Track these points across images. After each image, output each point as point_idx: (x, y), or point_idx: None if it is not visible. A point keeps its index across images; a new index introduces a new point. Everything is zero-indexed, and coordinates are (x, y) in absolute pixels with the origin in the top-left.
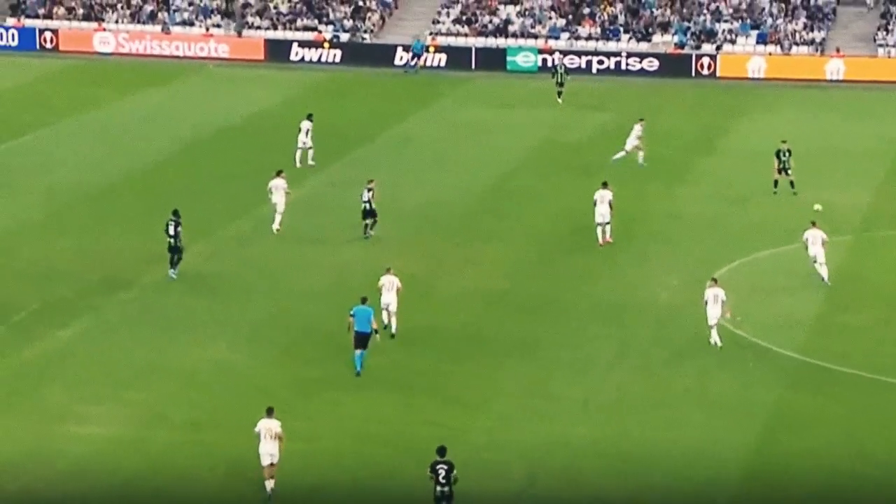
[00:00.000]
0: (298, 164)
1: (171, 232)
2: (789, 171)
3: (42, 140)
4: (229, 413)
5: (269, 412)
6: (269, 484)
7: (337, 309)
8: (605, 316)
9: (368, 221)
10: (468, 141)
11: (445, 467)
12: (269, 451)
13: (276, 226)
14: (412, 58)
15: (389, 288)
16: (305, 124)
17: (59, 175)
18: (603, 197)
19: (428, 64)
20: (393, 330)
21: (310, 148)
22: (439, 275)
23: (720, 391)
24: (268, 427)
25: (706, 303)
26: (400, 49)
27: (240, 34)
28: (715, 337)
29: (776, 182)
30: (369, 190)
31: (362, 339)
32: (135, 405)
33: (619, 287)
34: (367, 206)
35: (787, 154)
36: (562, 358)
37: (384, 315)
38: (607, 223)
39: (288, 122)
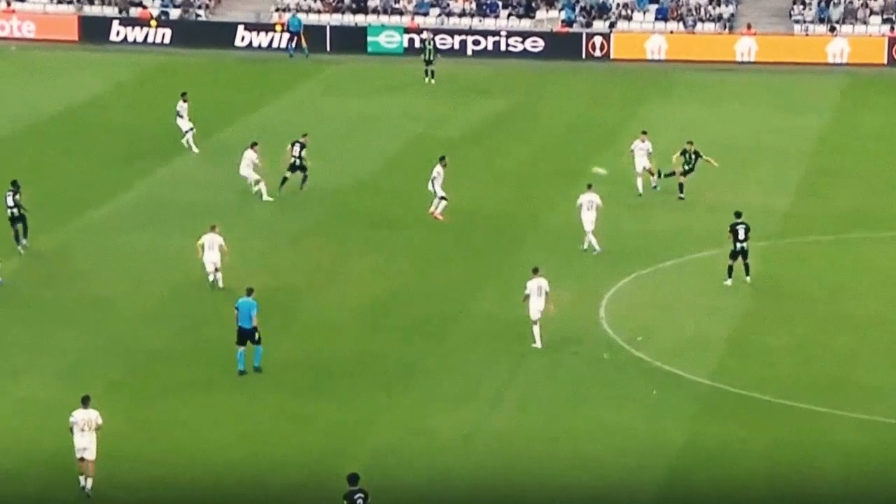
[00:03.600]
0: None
1: (10, 202)
2: (689, 171)
3: None
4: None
5: (85, 401)
6: (88, 482)
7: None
8: (490, 337)
9: (289, 175)
10: (328, 137)
11: (362, 496)
12: (83, 445)
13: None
14: (291, 38)
15: (211, 246)
16: (182, 106)
17: None
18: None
19: (274, 46)
20: (220, 285)
21: (189, 131)
22: (302, 293)
23: (624, 423)
24: (85, 418)
25: (527, 296)
26: (241, 28)
27: (9, 4)
28: (537, 335)
29: (681, 186)
30: (302, 146)
31: (246, 335)
32: None
33: (506, 303)
34: (298, 161)
35: (693, 157)
36: (442, 386)
37: (211, 276)
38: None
39: (113, 114)
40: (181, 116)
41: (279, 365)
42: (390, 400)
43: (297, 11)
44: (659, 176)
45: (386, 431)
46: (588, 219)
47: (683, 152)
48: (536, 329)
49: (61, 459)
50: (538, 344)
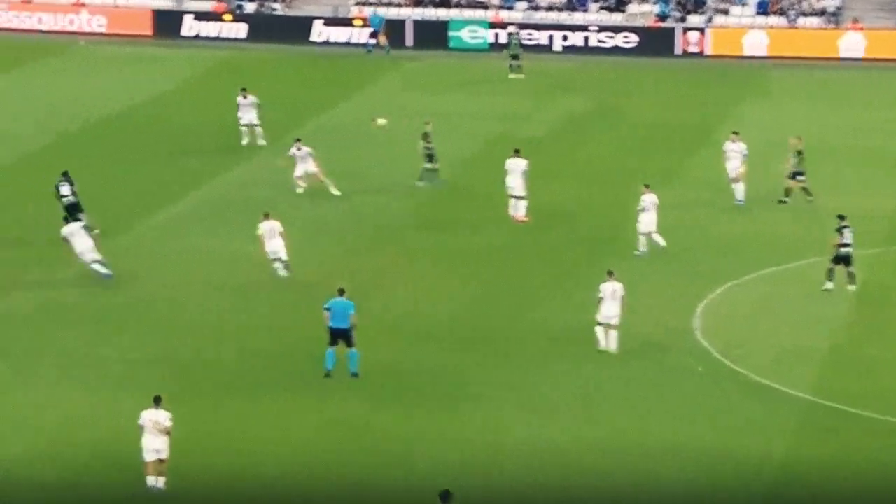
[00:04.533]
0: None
1: (66, 191)
2: (802, 177)
3: None
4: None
5: (156, 402)
6: (159, 481)
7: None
8: (570, 344)
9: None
10: (405, 136)
11: None
12: (153, 446)
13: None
14: (371, 35)
15: (271, 234)
16: (247, 99)
17: None
18: (517, 166)
19: (353, 41)
20: (284, 273)
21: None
22: (366, 298)
23: (717, 439)
24: (154, 418)
25: (601, 299)
26: (319, 23)
27: None
28: (601, 338)
29: (787, 190)
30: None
31: (340, 336)
32: None
33: (586, 310)
34: (428, 149)
35: (798, 155)
36: (517, 398)
37: (278, 266)
38: (521, 197)
39: (182, 111)
40: (246, 110)
41: (344, 371)
42: (459, 411)
43: (378, 6)
44: (808, 193)
45: (453, 443)
46: (648, 220)
47: (798, 152)
48: (601, 331)
49: (125, 463)
50: (603, 346)
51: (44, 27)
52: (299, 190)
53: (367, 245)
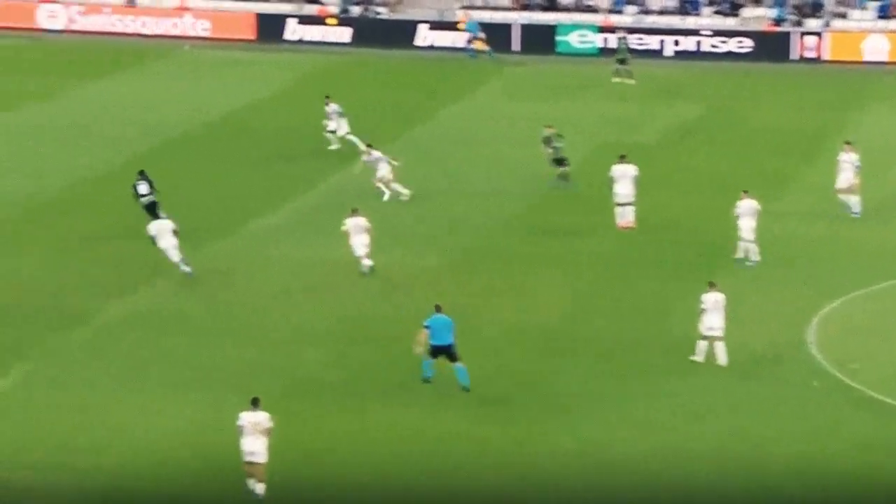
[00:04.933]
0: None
1: (144, 190)
2: None
3: None
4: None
5: (255, 403)
6: (258, 486)
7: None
8: (672, 361)
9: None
10: (513, 142)
11: None
12: (252, 448)
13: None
14: (469, 41)
15: (357, 230)
16: (330, 107)
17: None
18: (625, 172)
19: (458, 45)
20: (368, 265)
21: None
22: (480, 309)
23: (829, 456)
24: (253, 420)
25: (703, 310)
26: (424, 27)
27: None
28: (721, 354)
29: None
30: (549, 139)
31: (443, 352)
32: (86, 475)
33: (694, 324)
34: (556, 153)
35: None
36: (614, 415)
37: (363, 261)
38: (629, 203)
39: (283, 116)
40: (338, 118)
41: (449, 382)
42: (560, 423)
43: (484, 9)
44: None
45: (552, 457)
46: (746, 227)
47: None
48: (704, 344)
49: (227, 468)
50: (701, 358)
51: (147, 31)
52: (385, 198)
53: (470, 253)
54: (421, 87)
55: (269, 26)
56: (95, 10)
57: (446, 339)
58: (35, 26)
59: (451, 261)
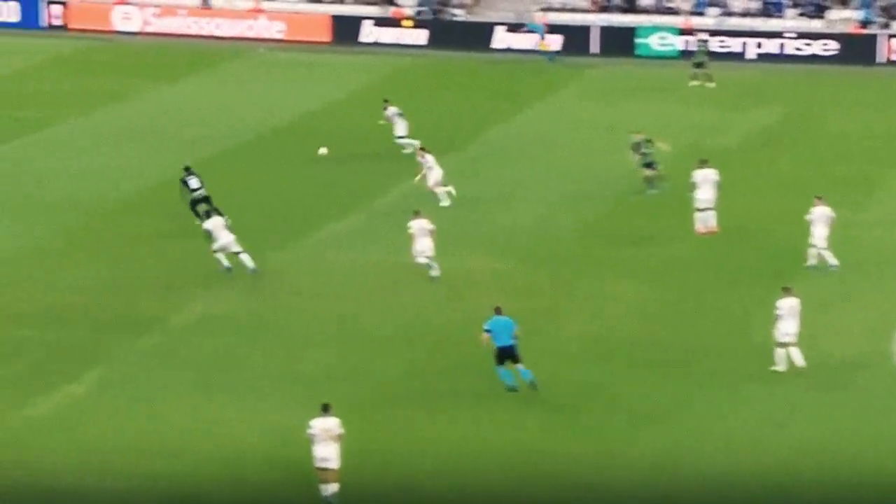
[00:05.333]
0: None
1: (195, 184)
2: None
3: (43, 143)
4: None
5: (325, 409)
6: (330, 488)
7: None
8: (753, 369)
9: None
10: (589, 146)
11: None
12: (323, 455)
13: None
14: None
15: (422, 233)
16: (388, 110)
17: (67, 187)
18: (706, 177)
19: (534, 48)
20: (436, 273)
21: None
22: (550, 317)
23: None
24: (324, 426)
25: (779, 317)
26: (500, 29)
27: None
28: (781, 359)
29: None
30: (638, 145)
31: (507, 354)
32: (161, 480)
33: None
34: (645, 158)
35: None
36: (693, 425)
37: (427, 265)
38: (710, 209)
39: (357, 120)
40: (399, 120)
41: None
42: (638, 434)
43: (562, 11)
44: None
45: (629, 469)
46: (820, 233)
47: None
48: (782, 352)
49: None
50: (782, 367)
51: (221, 33)
52: (444, 203)
53: (545, 259)
54: (497, 91)
55: (345, 28)
56: (170, 12)
57: (508, 341)
58: (110, 28)
59: (525, 266)
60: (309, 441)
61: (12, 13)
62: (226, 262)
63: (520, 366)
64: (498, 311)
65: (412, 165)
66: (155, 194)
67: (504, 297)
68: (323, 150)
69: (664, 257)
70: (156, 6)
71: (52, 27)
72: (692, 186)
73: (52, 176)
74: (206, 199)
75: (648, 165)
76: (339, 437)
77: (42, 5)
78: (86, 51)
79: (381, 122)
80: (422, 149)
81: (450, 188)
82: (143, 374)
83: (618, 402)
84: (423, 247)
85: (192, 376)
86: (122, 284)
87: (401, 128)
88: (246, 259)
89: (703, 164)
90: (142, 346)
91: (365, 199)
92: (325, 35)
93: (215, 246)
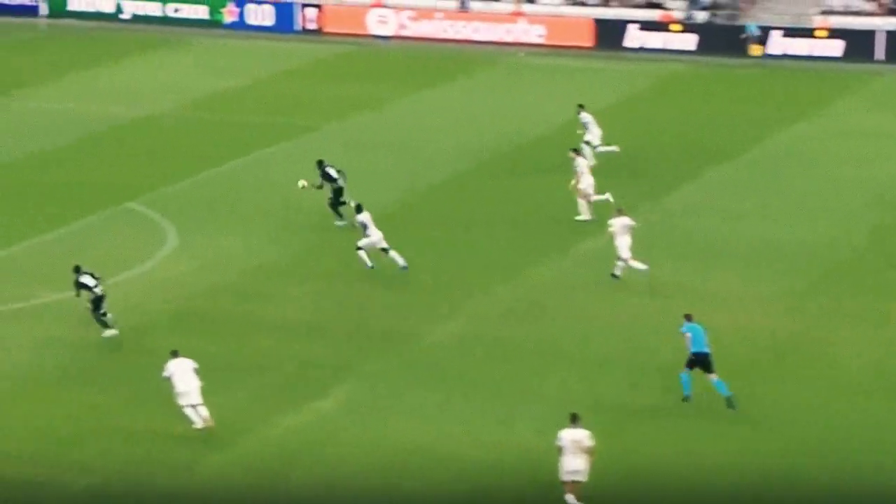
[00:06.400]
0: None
1: (334, 173)
2: None
3: (298, 150)
4: None
5: (574, 419)
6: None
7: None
8: None
9: None
10: (868, 161)
11: None
12: (572, 468)
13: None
14: (744, 40)
15: (623, 231)
16: (586, 116)
17: (316, 196)
18: None
19: (816, 54)
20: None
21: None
22: (833, 342)
23: None
24: (573, 438)
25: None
26: (777, 34)
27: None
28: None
29: None
30: None
31: (700, 361)
32: (413, 500)
33: None
34: None
35: None
36: None
37: (633, 263)
38: None
39: (619, 130)
40: (588, 129)
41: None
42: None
43: (846, 14)
44: None
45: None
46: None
47: None
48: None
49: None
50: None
51: (479, 37)
52: (582, 217)
53: (816, 282)
54: (771, 99)
55: (608, 33)
56: (426, 15)
57: (703, 348)
58: (364, 32)
59: (792, 287)
60: (557, 452)
61: (267, 17)
62: (368, 262)
63: (714, 377)
64: (689, 317)
65: (667, 180)
66: (408, 206)
67: (767, 318)
68: (302, 183)
69: None
70: (411, 9)
71: (306, 31)
72: None
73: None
74: (341, 191)
75: None
76: (589, 450)
77: (296, 9)
78: (340, 55)
79: (579, 131)
80: (574, 150)
81: (607, 196)
82: (391, 392)
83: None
84: (625, 244)
85: (442, 397)
86: (369, 300)
87: (594, 135)
88: (395, 256)
89: None
90: (391, 363)
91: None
92: (587, 40)
93: (363, 242)
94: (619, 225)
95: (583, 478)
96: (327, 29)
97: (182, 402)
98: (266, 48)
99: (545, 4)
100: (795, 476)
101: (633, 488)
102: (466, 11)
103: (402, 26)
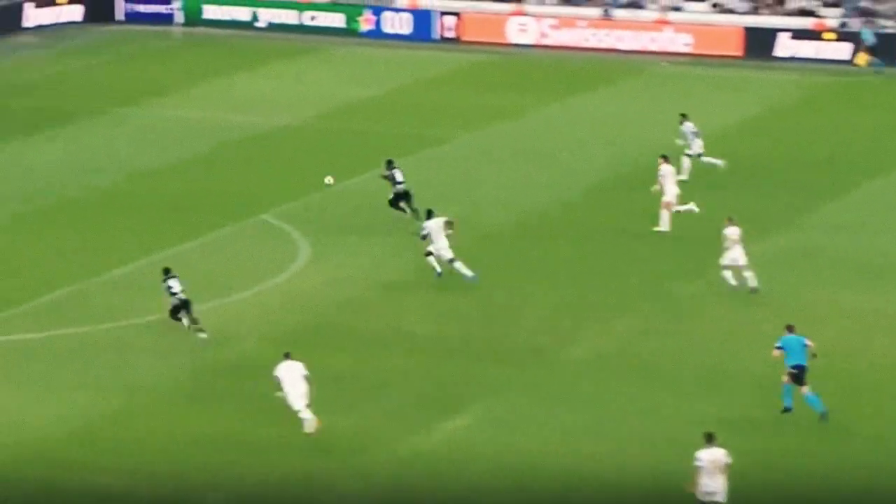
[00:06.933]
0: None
1: (401, 177)
2: None
3: (437, 160)
4: None
5: (710, 439)
6: None
7: None
8: None
9: None
10: None
11: None
12: (710, 489)
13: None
14: (867, 51)
15: (734, 240)
16: (688, 126)
17: (451, 208)
18: None
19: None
20: (753, 284)
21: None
22: None
23: None
24: (711, 458)
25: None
26: None
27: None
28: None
29: None
30: None
31: (798, 375)
32: None
33: None
34: None
35: None
36: None
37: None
38: None
39: (767, 142)
40: (694, 138)
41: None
42: None
43: None
44: None
45: None
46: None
47: None
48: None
49: None
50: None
51: (623, 46)
52: (661, 228)
53: None
54: None
55: (758, 41)
56: (569, 23)
57: (802, 360)
58: (504, 41)
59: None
60: (694, 473)
61: (405, 25)
62: (438, 268)
63: (807, 390)
64: (790, 329)
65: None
66: (543, 219)
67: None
68: (329, 180)
69: None
70: (553, 17)
71: (444, 39)
72: None
73: (440, 197)
74: (407, 195)
75: None
76: (727, 468)
77: (435, 17)
78: (479, 64)
79: (679, 141)
80: (663, 157)
81: (691, 206)
82: (524, 410)
83: None
84: (736, 254)
85: (576, 417)
86: (512, 313)
87: (697, 145)
88: (461, 268)
89: None
90: (523, 382)
91: (775, 230)
92: (735, 48)
93: (431, 248)
94: (731, 234)
95: (721, 498)
96: (466, 37)
97: (287, 403)
98: (403, 57)
99: (692, 12)
100: None
101: None
102: (610, 19)
103: (544, 35)
